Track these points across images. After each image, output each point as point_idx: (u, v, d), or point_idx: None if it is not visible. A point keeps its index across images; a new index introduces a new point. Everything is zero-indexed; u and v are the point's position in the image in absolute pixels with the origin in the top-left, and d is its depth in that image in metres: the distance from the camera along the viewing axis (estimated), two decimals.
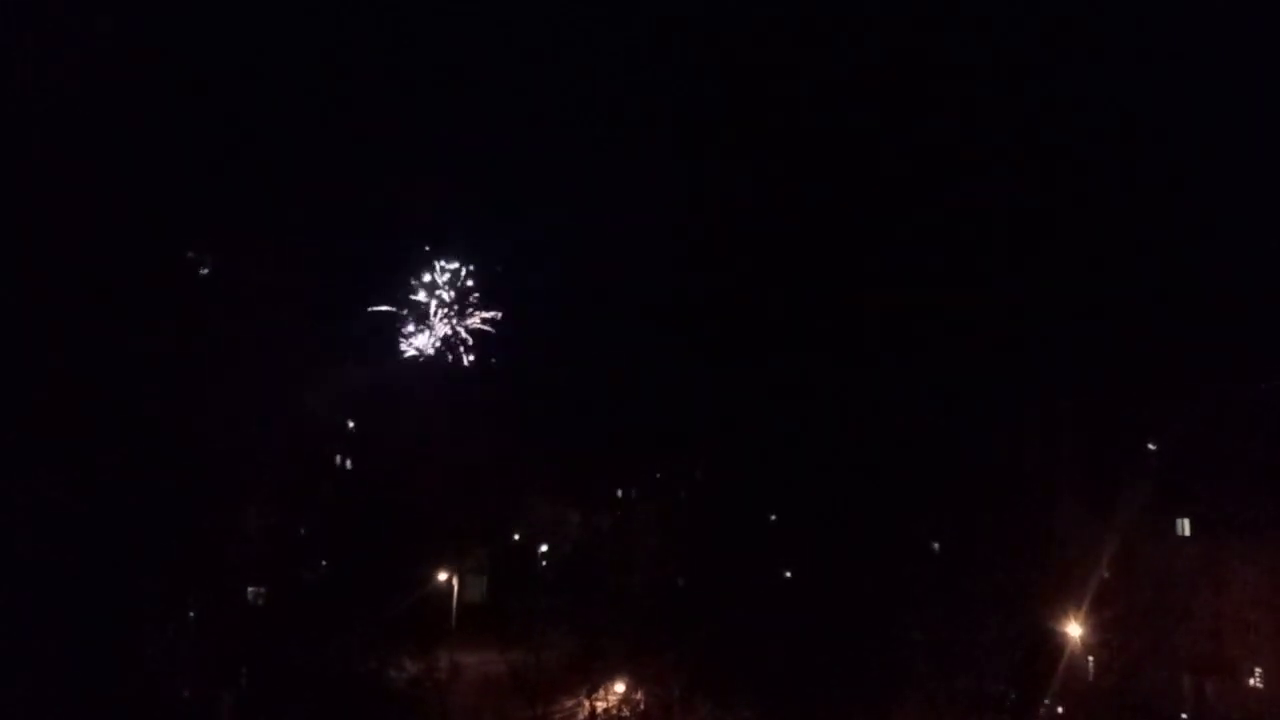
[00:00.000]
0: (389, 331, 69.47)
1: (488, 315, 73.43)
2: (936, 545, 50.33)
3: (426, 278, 72.65)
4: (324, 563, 40.58)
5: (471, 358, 73.99)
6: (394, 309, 70.85)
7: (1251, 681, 47.82)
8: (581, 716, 42.83)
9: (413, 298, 72.11)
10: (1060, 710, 44.53)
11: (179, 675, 29.10)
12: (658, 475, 56.82)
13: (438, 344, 71.99)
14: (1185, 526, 51.45)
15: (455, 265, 73.57)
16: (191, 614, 30.79)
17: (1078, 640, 46.59)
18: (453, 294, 72.94)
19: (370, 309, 67.49)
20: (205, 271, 37.36)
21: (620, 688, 43.59)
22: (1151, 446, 52.38)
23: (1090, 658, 48.36)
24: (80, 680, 24.96)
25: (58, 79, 28.58)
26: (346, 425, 48.87)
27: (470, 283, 74.10)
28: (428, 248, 73.02)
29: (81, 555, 26.47)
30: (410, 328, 71.41)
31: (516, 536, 59.64)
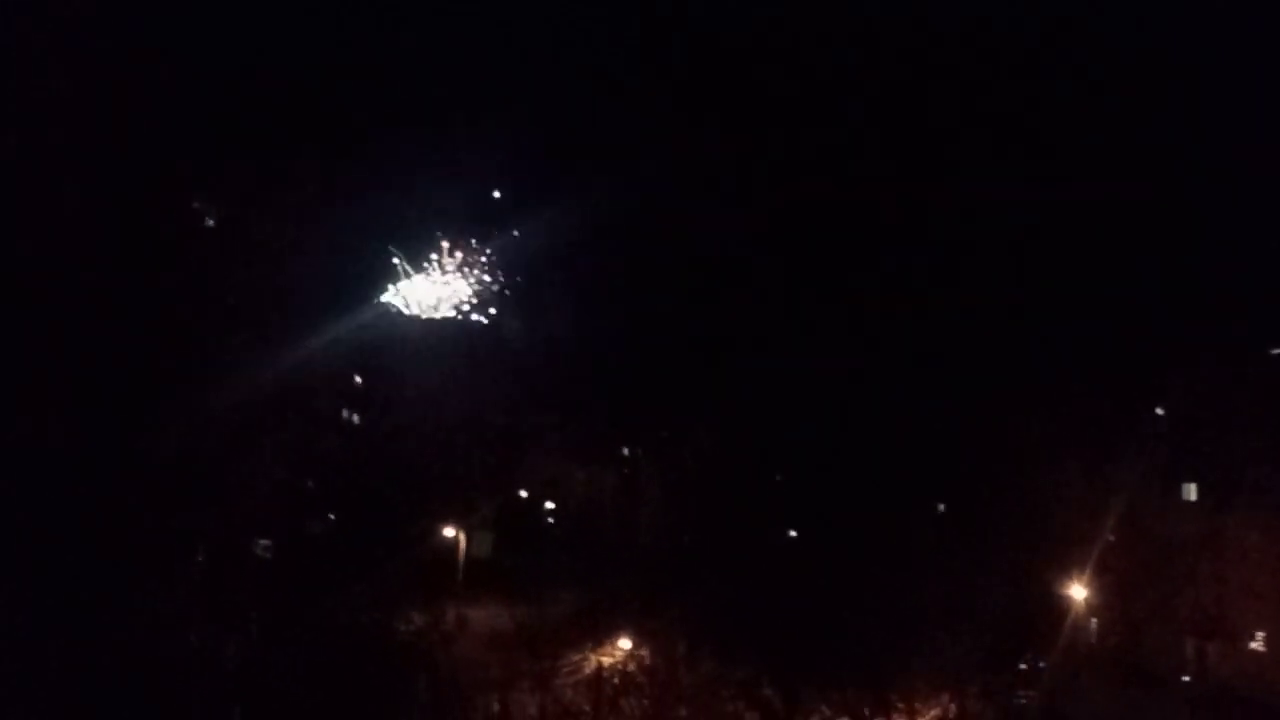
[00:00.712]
0: (400, 287, 69.01)
1: (499, 278, 73.00)
2: (941, 506, 50.45)
3: (442, 235, 72.10)
4: (331, 516, 40.60)
5: (479, 315, 73.67)
6: (406, 263, 70.36)
7: (1253, 645, 48.17)
8: (587, 671, 43.15)
9: (427, 252, 71.55)
10: (1042, 664, 44.83)
11: (188, 623, 29.24)
12: (664, 434, 56.67)
13: (448, 300, 71.64)
14: (1191, 491, 51.64)
15: (470, 225, 72.96)
16: (200, 560, 30.88)
17: (1081, 603, 46.90)
18: (466, 252, 72.47)
19: (382, 261, 66.93)
20: (212, 222, 36.97)
21: (625, 644, 43.88)
22: (1159, 411, 52.38)
23: (1094, 620, 48.69)
24: (88, 627, 25.04)
25: (67, 27, 28.15)
26: (354, 380, 48.62)
27: (485, 247, 73.55)
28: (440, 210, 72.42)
29: (89, 506, 26.43)
30: (421, 282, 70.95)
31: (523, 493, 59.67)
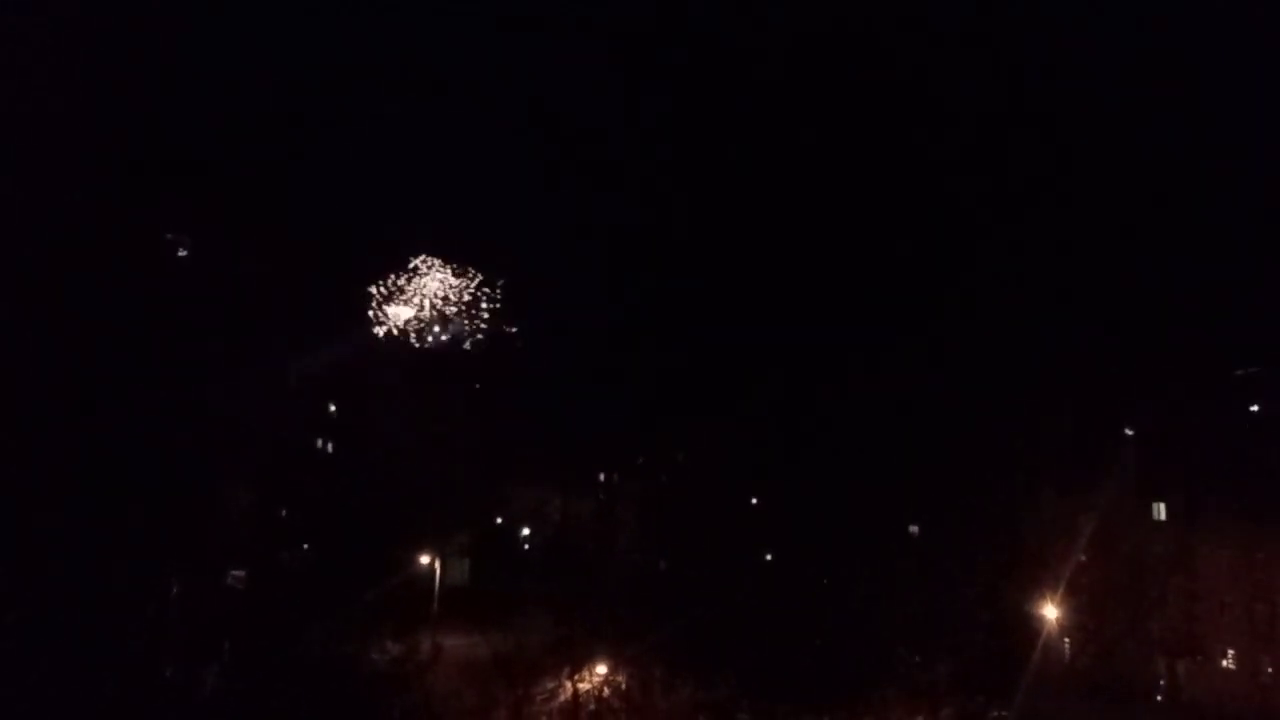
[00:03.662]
0: (375, 318, 69.29)
1: (484, 316, 73.32)
2: (915, 529, 50.79)
3: (419, 265, 72.52)
4: (305, 546, 40.61)
5: (456, 345, 73.94)
6: (382, 296, 70.70)
7: (1224, 663, 48.58)
8: (563, 697, 43.02)
9: (402, 285, 71.95)
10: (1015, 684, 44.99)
11: (161, 653, 29.14)
12: (640, 460, 56.97)
13: (424, 331, 71.95)
14: (1161, 511, 52.18)
15: (448, 261, 73.45)
16: (175, 592, 30.84)
17: (1054, 623, 47.24)
18: (445, 286, 72.85)
19: (357, 293, 67.28)
20: (184, 254, 37.19)
21: (602, 669, 43.81)
22: (1128, 433, 53.06)
23: (1066, 640, 49.05)
24: (62, 657, 24.98)
25: (41, 60, 28.43)
26: (328, 410, 48.82)
27: (472, 283, 73.94)
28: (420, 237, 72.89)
29: (63, 536, 26.42)
30: (397, 315, 71.29)
31: (499, 520, 59.71)
